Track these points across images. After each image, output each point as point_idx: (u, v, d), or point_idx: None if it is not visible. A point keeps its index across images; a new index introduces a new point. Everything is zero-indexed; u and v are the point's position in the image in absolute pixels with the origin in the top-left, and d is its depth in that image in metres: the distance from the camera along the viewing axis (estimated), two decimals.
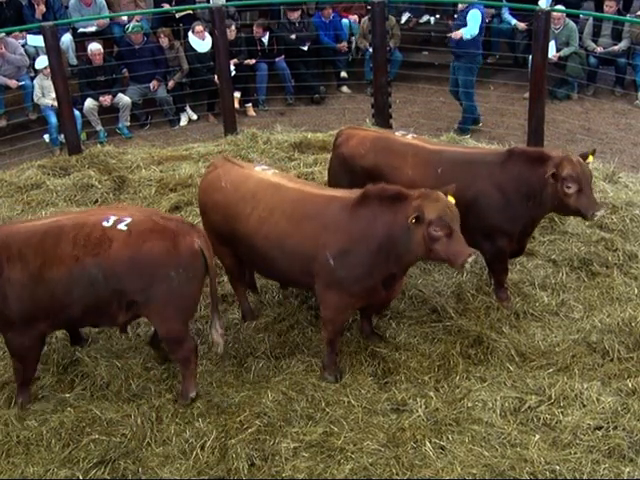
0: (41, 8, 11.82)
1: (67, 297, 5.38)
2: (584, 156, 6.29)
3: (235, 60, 11.46)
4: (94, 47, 11.01)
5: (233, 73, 11.24)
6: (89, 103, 10.92)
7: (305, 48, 12.14)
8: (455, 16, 11.49)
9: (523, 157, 6.40)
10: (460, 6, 10.51)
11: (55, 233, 5.42)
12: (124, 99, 11.13)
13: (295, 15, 12.19)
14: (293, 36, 12.08)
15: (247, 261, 6.42)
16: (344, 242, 5.58)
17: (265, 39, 11.96)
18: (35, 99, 10.88)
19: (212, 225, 6.38)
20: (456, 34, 10.19)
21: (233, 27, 11.52)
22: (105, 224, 5.43)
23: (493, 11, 12.14)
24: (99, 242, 5.35)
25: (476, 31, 10.07)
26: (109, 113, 11.09)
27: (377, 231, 5.54)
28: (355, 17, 12.78)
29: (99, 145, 10.43)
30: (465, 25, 10.25)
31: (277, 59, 12.01)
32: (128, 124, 11.26)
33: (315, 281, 5.79)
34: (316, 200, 5.81)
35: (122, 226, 5.42)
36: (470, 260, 5.49)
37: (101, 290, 5.37)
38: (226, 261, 6.57)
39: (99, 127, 10.98)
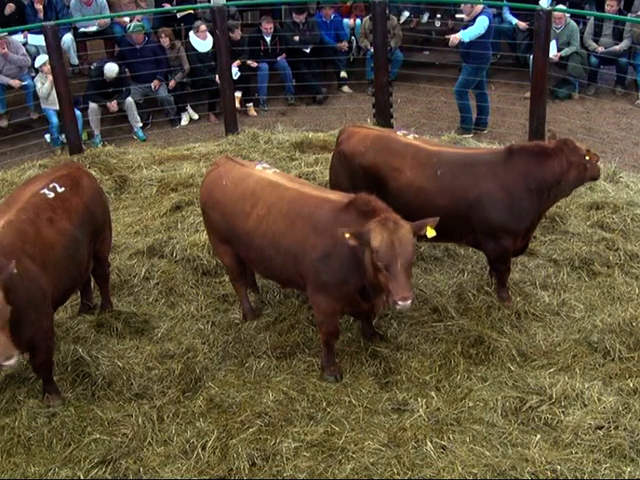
0: (39, 7, 11.82)
1: None
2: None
3: (238, 62, 11.46)
4: (112, 70, 10.76)
5: (237, 75, 11.25)
6: (93, 106, 10.91)
7: (307, 50, 12.14)
8: (456, 16, 11.46)
9: (526, 153, 6.41)
10: (468, 11, 10.29)
11: None
12: (127, 100, 11.12)
13: (301, 17, 12.18)
14: (296, 38, 12.08)
15: (247, 260, 6.42)
16: (327, 245, 5.57)
17: (268, 38, 11.96)
18: (39, 95, 10.83)
19: (212, 223, 6.41)
20: (455, 37, 10.09)
21: (239, 29, 11.54)
22: None
23: (494, 11, 12.11)
24: None
25: (476, 34, 9.98)
26: (110, 114, 11.08)
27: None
28: (350, 21, 12.76)
29: (100, 145, 10.45)
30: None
31: (279, 58, 12.00)
32: (140, 124, 11.24)
33: (305, 283, 5.81)
34: (310, 201, 5.81)
35: None
36: (407, 304, 5.17)
37: None
38: (226, 260, 6.58)
39: (97, 131, 10.97)
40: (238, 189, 6.12)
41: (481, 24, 9.92)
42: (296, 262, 5.76)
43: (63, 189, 5.96)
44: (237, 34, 11.52)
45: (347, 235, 5.25)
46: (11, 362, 4.72)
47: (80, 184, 6.18)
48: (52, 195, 5.87)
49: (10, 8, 11.83)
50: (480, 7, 10.03)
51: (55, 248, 5.64)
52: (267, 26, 11.91)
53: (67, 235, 5.79)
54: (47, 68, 10.34)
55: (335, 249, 5.54)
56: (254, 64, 11.80)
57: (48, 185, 5.95)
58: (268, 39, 11.96)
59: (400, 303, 5.14)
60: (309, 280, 5.74)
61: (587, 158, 6.40)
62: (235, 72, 11.17)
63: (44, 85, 10.55)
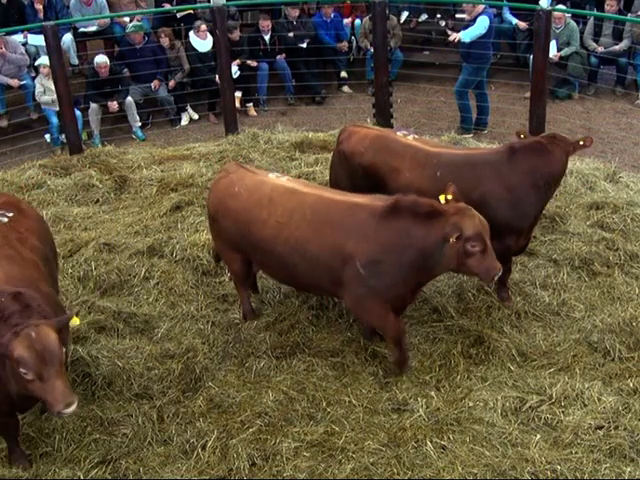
0: (39, 7, 11.82)
1: None
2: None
3: (238, 61, 11.46)
4: (100, 60, 10.87)
5: (237, 74, 11.25)
6: (94, 106, 10.92)
7: (304, 45, 12.13)
8: (456, 15, 11.45)
9: (529, 150, 6.47)
10: (469, 11, 10.30)
11: None
12: (127, 100, 11.12)
13: (294, 13, 12.19)
14: (291, 34, 12.07)
15: (263, 267, 6.36)
16: (374, 252, 5.54)
17: (267, 37, 11.95)
18: (37, 98, 10.86)
19: (224, 231, 6.29)
20: (455, 36, 10.10)
21: (238, 29, 11.53)
22: None
23: (495, 11, 12.10)
24: None
25: (476, 35, 9.98)
26: (110, 114, 11.08)
27: (409, 244, 5.51)
28: (348, 20, 12.77)
29: (99, 145, 10.45)
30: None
31: (278, 57, 12.01)
32: (139, 124, 11.25)
33: (344, 290, 5.74)
34: (337, 207, 5.74)
35: None
36: (499, 274, 5.58)
37: None
38: (234, 266, 6.50)
39: (97, 131, 10.97)
40: (253, 196, 6.01)
41: (482, 24, 9.91)
42: (330, 269, 5.69)
43: (12, 214, 5.67)
44: (236, 35, 11.50)
45: (454, 240, 5.40)
46: (72, 409, 4.53)
47: (22, 208, 5.89)
48: (6, 220, 5.60)
49: None
50: (481, 7, 10.03)
51: (38, 266, 5.44)
52: (264, 23, 11.88)
53: (39, 252, 5.58)
54: (47, 70, 10.34)
55: (385, 255, 5.52)
56: (254, 64, 11.80)
57: None
58: (267, 37, 11.95)
59: (499, 274, 5.61)
60: (351, 287, 5.67)
61: (581, 143, 6.59)
62: (235, 71, 11.16)
63: (44, 81, 10.58)
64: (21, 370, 4.45)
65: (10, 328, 4.48)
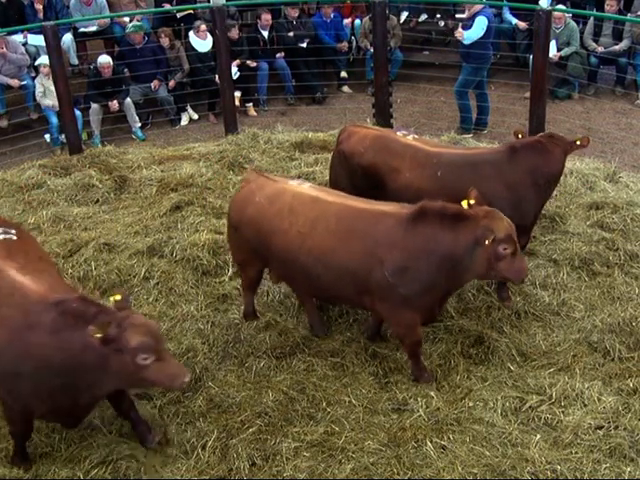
0: (39, 7, 11.82)
1: None
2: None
3: (238, 61, 11.46)
4: (103, 60, 10.87)
5: (237, 75, 11.25)
6: (95, 107, 10.92)
7: (304, 45, 12.13)
8: (456, 16, 11.44)
9: (530, 149, 6.51)
10: (468, 10, 10.31)
11: None
12: (126, 100, 11.12)
13: (294, 13, 12.18)
14: (291, 34, 12.07)
15: (285, 278, 6.27)
16: (402, 259, 5.47)
17: (265, 33, 11.94)
18: (37, 98, 10.87)
19: (245, 240, 6.15)
20: (460, 32, 10.09)
21: (236, 29, 11.52)
22: None
23: (495, 11, 12.11)
24: None
25: (476, 37, 9.99)
26: (110, 114, 11.09)
27: (437, 249, 5.45)
28: (347, 20, 12.76)
29: (99, 146, 10.46)
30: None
31: (277, 55, 12.00)
32: (139, 124, 11.25)
33: (373, 300, 5.66)
34: (363, 215, 5.67)
35: None
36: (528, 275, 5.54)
37: None
38: (250, 273, 6.41)
39: (97, 131, 10.97)
40: (274, 206, 5.91)
41: (479, 25, 9.91)
42: (356, 279, 5.61)
43: (14, 231, 5.61)
44: (234, 33, 11.48)
45: (490, 242, 5.36)
46: (189, 377, 4.87)
47: (15, 225, 5.85)
48: (15, 237, 5.52)
49: None
50: (479, 6, 10.03)
51: (60, 276, 5.60)
52: (266, 17, 11.85)
53: (53, 264, 5.66)
54: (47, 70, 10.34)
55: (412, 262, 5.46)
56: (253, 64, 11.79)
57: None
58: (265, 33, 11.92)
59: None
60: (380, 296, 5.60)
61: (578, 143, 6.67)
62: (235, 72, 11.16)
63: (44, 81, 10.58)
64: (140, 357, 4.57)
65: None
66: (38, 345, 4.65)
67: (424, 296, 5.55)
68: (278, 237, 5.84)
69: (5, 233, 5.47)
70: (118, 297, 4.81)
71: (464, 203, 5.57)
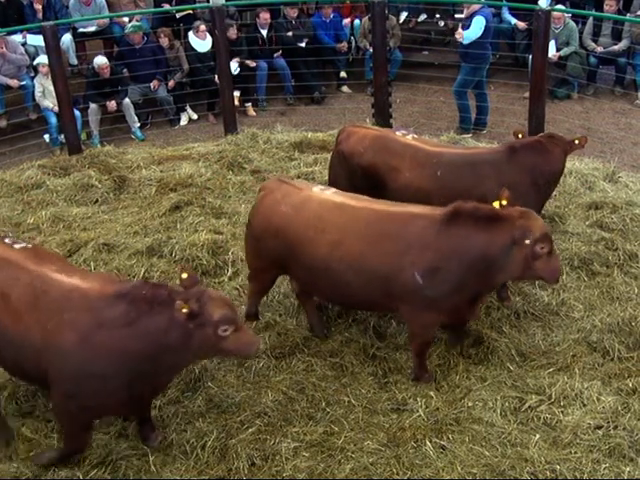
0: (38, 7, 11.82)
1: None
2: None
3: (238, 58, 11.45)
4: (101, 61, 10.87)
5: (237, 71, 11.24)
6: (93, 107, 10.92)
7: (303, 45, 12.12)
8: (456, 16, 11.45)
9: (530, 149, 6.53)
10: (466, 10, 10.33)
11: None
12: (125, 100, 11.12)
13: (293, 14, 12.18)
14: (290, 33, 12.07)
15: (310, 286, 6.15)
16: (433, 260, 5.45)
17: (264, 32, 11.93)
18: (36, 99, 10.87)
19: (267, 250, 5.99)
20: (459, 33, 10.12)
21: (234, 28, 11.51)
22: None
23: (493, 10, 12.11)
24: None
25: (474, 37, 10.00)
26: (109, 114, 11.08)
27: (470, 250, 5.43)
28: (346, 20, 12.76)
29: (98, 146, 10.45)
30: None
31: (275, 55, 12.00)
32: (138, 125, 11.25)
33: (398, 302, 5.64)
34: (393, 218, 5.65)
35: None
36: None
37: None
38: (264, 280, 6.29)
39: (96, 131, 10.97)
40: (301, 215, 5.81)
41: (477, 25, 9.92)
42: (386, 282, 5.55)
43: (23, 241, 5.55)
44: (232, 33, 11.45)
45: (530, 242, 5.37)
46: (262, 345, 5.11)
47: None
48: (29, 245, 5.40)
49: None
50: (477, 5, 10.04)
51: None
52: (265, 16, 11.84)
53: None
54: (46, 69, 10.35)
55: (444, 262, 5.44)
56: (252, 64, 11.78)
57: (11, 244, 5.29)
58: (264, 32, 11.91)
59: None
60: (406, 298, 5.57)
61: (576, 142, 6.70)
62: (235, 68, 11.15)
63: (43, 81, 10.58)
64: (222, 328, 4.69)
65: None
66: (115, 340, 4.66)
67: (452, 298, 5.53)
68: (307, 246, 5.74)
69: (16, 243, 5.34)
70: (185, 275, 4.85)
71: (496, 204, 5.56)
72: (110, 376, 4.72)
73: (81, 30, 12.41)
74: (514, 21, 12.09)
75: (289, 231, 5.83)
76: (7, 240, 5.31)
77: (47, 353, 4.74)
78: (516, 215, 5.46)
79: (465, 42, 10.02)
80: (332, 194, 5.97)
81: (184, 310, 4.59)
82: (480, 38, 10.01)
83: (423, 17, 13.25)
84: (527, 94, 10.06)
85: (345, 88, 12.60)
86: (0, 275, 4.97)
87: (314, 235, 5.71)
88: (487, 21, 10.02)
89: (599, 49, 11.49)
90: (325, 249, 5.67)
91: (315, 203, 5.86)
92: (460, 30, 10.12)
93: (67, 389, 4.80)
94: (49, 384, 4.88)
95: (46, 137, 10.88)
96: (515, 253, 5.40)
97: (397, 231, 5.56)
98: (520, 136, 6.81)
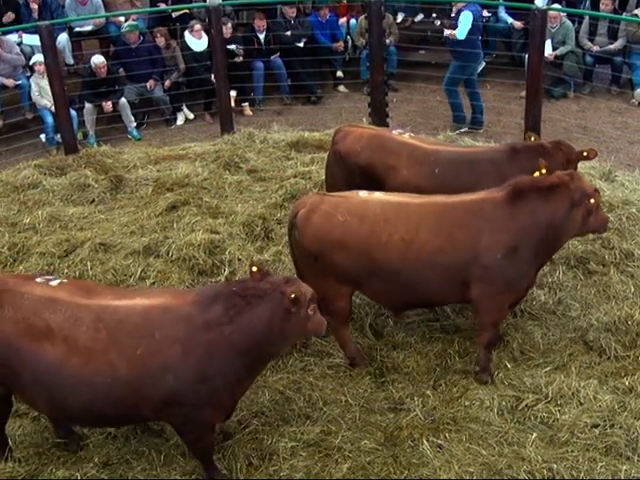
0: (34, 7, 11.80)
1: None
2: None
3: (235, 47, 11.44)
4: (98, 60, 10.85)
5: (240, 59, 11.27)
6: (89, 107, 10.91)
7: (301, 45, 12.12)
8: (452, 15, 11.46)
9: (531, 152, 6.52)
10: (456, 7, 10.45)
11: None
12: (121, 100, 11.11)
13: (292, 13, 12.18)
14: (288, 33, 12.06)
15: (380, 293, 5.92)
16: (510, 240, 5.59)
17: (262, 36, 11.93)
18: (33, 98, 10.85)
19: (331, 266, 5.75)
20: (452, 33, 10.18)
21: (229, 25, 11.49)
22: None
23: (480, 9, 12.12)
24: None
25: (465, 30, 10.06)
26: (105, 114, 11.07)
27: (539, 222, 5.65)
28: (342, 20, 12.76)
29: (94, 145, 10.44)
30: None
31: (272, 57, 11.99)
32: (134, 124, 11.24)
33: (474, 290, 5.66)
34: (458, 207, 5.71)
35: None
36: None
37: None
38: (341, 303, 5.93)
39: (92, 131, 10.95)
40: (365, 221, 5.67)
41: (466, 20, 10.10)
42: (463, 272, 5.60)
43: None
44: (227, 31, 11.42)
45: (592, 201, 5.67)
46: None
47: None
48: (64, 280, 5.09)
49: (9, 17, 11.85)
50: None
51: None
52: (260, 23, 11.85)
53: None
54: (42, 68, 10.33)
55: (519, 240, 5.61)
56: (240, 56, 11.60)
57: (46, 282, 4.91)
58: (262, 37, 11.92)
59: None
60: (482, 283, 5.62)
61: (585, 154, 6.74)
62: (234, 47, 11.17)
63: (39, 81, 10.57)
64: (311, 307, 4.87)
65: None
66: (223, 338, 4.69)
67: (529, 273, 5.77)
68: (379, 252, 5.63)
69: (49, 280, 4.94)
70: (255, 269, 4.93)
71: (536, 174, 5.84)
72: (225, 373, 4.74)
73: (77, 30, 12.39)
74: (510, 20, 12.11)
75: (356, 240, 5.67)
76: (39, 279, 4.91)
77: (142, 382, 4.59)
78: (567, 179, 5.70)
79: (459, 37, 10.11)
80: (386, 195, 5.92)
81: (293, 296, 4.71)
82: (469, 35, 10.07)
83: (420, 17, 13.27)
84: (523, 93, 10.07)
85: (342, 87, 12.59)
86: (57, 318, 4.63)
87: (385, 238, 5.63)
88: (474, 16, 10.10)
89: (595, 48, 11.51)
90: (399, 250, 5.63)
91: (376, 207, 5.75)
92: (448, 30, 10.22)
93: (191, 402, 4.72)
94: (158, 413, 4.79)
95: (42, 137, 10.85)
96: (575, 214, 5.67)
97: (466, 220, 5.66)
98: (533, 139, 6.84)
